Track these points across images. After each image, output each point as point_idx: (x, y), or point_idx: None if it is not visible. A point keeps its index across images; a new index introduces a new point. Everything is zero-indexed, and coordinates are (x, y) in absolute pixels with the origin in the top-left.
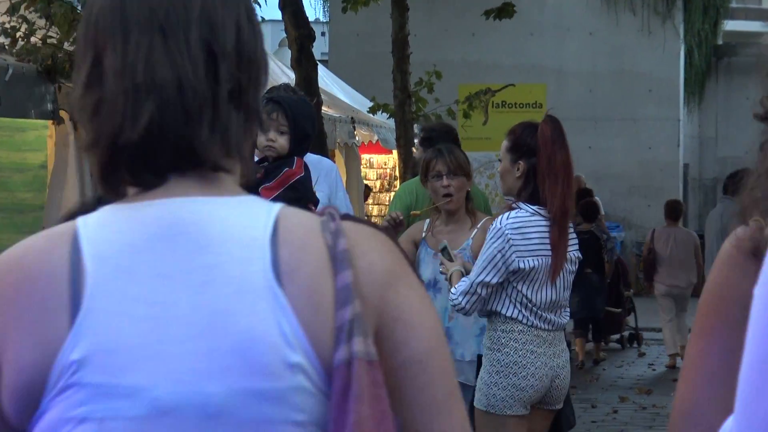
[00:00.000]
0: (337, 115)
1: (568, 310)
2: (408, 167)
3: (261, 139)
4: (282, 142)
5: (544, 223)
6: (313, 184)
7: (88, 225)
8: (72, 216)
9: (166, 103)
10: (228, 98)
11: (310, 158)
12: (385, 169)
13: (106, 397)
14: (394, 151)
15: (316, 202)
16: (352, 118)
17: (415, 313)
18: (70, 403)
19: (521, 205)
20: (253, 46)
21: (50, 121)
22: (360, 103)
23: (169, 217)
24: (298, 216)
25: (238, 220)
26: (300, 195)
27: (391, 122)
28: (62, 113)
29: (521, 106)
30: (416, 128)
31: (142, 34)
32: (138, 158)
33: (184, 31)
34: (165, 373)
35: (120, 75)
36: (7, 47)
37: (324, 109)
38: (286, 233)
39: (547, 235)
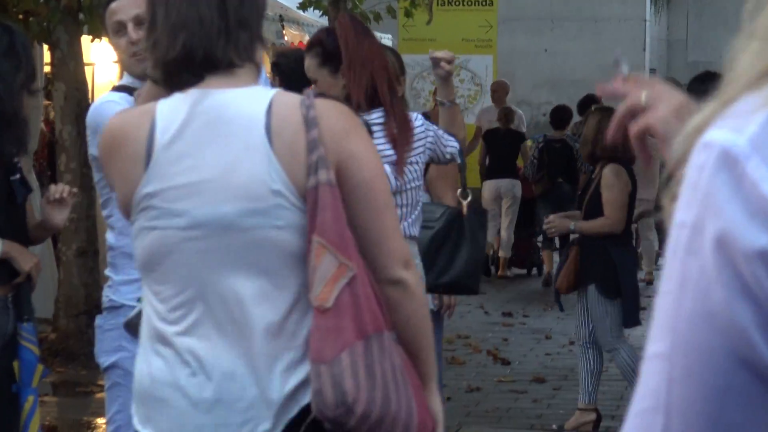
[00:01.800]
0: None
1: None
2: None
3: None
4: None
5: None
6: None
7: (161, 106)
8: None
9: (192, 32)
10: (236, 24)
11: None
12: None
13: (165, 216)
14: None
15: None
16: (280, 15)
17: (363, 154)
18: (146, 218)
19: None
20: None
21: None
22: None
23: (203, 101)
24: (285, 96)
25: (245, 102)
26: None
27: (325, 21)
28: None
29: (469, 3)
30: None
31: None
32: (179, 69)
33: None
34: (199, 201)
35: (164, 20)
36: None
37: None
38: (276, 108)
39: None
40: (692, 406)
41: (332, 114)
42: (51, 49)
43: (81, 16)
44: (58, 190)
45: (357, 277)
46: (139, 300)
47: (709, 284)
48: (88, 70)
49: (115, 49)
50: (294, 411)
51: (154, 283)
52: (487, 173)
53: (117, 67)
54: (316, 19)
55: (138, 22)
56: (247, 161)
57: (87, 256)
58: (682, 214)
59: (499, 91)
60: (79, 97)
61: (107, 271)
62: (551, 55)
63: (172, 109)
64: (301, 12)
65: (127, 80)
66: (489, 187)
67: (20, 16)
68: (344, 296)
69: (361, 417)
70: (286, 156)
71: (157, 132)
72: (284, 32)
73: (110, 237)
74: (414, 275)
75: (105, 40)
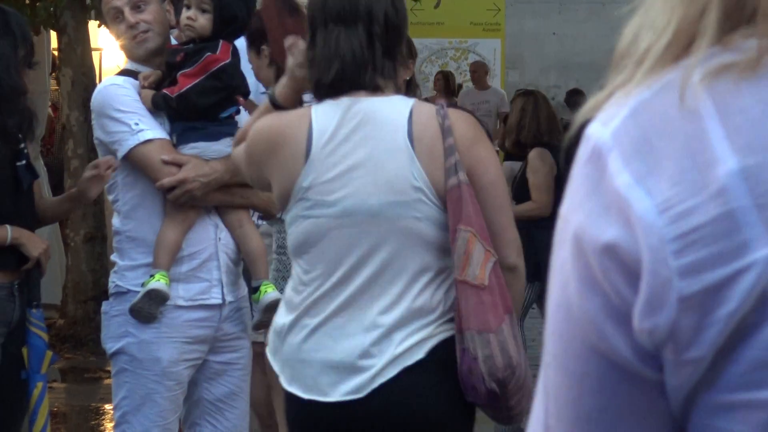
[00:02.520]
0: None
1: None
2: None
3: (182, 17)
4: (203, 21)
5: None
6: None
7: (316, 111)
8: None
9: (345, 63)
10: (381, 56)
11: (243, 43)
12: None
13: (319, 206)
14: None
15: (245, 92)
16: None
17: (488, 159)
18: (302, 207)
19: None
20: (396, 22)
21: None
22: None
23: (353, 108)
24: (423, 105)
25: (389, 109)
26: (224, 84)
27: None
28: None
29: None
30: None
31: (334, 24)
32: (332, 90)
33: (354, 23)
34: (350, 193)
35: (322, 46)
36: None
37: None
38: (416, 116)
39: None
40: (560, 391)
41: (463, 124)
42: (58, 34)
43: (87, 1)
44: (101, 164)
45: (497, 263)
46: (143, 285)
47: (567, 276)
48: (95, 55)
49: (115, 35)
50: (397, 370)
51: (304, 263)
52: None
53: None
54: None
55: (134, 6)
56: (392, 161)
57: (95, 242)
58: (561, 206)
59: (478, 71)
60: (86, 83)
61: (113, 257)
62: (560, 38)
63: (326, 114)
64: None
65: (130, 65)
66: None
67: (27, 1)
68: (492, 277)
69: (518, 378)
70: (425, 158)
71: (314, 133)
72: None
73: (116, 221)
74: (523, 262)
75: None
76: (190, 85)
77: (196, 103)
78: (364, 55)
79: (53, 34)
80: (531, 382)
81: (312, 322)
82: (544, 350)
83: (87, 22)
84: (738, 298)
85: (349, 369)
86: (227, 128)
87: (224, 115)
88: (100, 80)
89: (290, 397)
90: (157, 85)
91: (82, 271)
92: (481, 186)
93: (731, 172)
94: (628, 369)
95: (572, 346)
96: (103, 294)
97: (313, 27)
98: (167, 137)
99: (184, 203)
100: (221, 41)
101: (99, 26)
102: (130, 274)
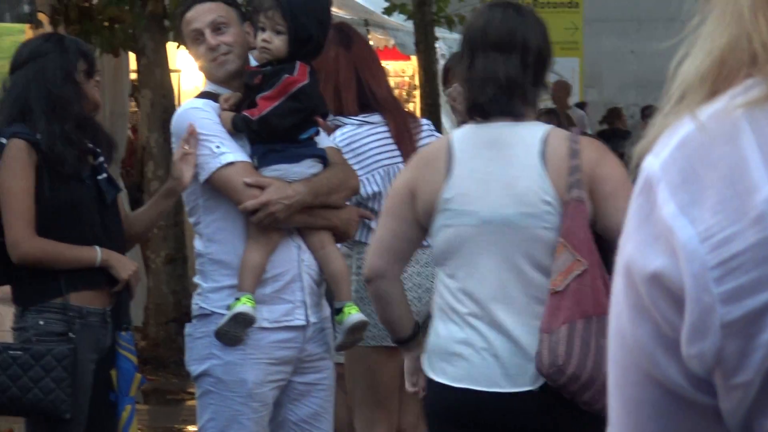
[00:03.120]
0: (349, 17)
1: None
2: (429, 76)
3: (257, 39)
4: (278, 43)
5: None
6: None
7: (456, 133)
8: None
9: (500, 87)
10: (531, 83)
11: None
12: (403, 77)
13: (460, 215)
14: (413, 57)
15: (324, 113)
16: (365, 20)
17: (611, 174)
18: (444, 217)
19: (344, 120)
20: (545, 54)
21: (28, 25)
22: (374, 2)
23: (491, 131)
24: (558, 131)
25: (525, 133)
26: (303, 105)
27: (410, 25)
28: (41, 16)
29: (555, 6)
30: (437, 32)
31: (492, 50)
32: (483, 111)
33: (511, 51)
34: (486, 205)
35: (480, 70)
36: None
37: (333, 9)
38: (551, 140)
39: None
40: (621, 418)
41: (590, 148)
42: (137, 56)
43: (166, 22)
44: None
45: (587, 271)
46: (229, 308)
47: (620, 305)
48: (174, 76)
49: (195, 57)
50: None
51: (447, 269)
52: None
53: (202, 74)
54: (401, 23)
55: (215, 27)
56: (525, 177)
57: (176, 264)
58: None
59: (560, 91)
60: (165, 104)
61: (196, 279)
62: (638, 56)
63: (465, 134)
64: (386, 16)
65: (210, 87)
66: None
67: (105, 24)
68: (573, 284)
69: (570, 377)
70: (554, 176)
71: (455, 151)
72: (369, 36)
73: (198, 244)
74: None
75: None
76: (269, 108)
77: (277, 125)
78: (517, 81)
79: (132, 56)
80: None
81: (460, 317)
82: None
83: (166, 44)
84: None
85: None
86: (307, 150)
87: (304, 136)
88: (179, 102)
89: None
90: (236, 107)
91: (163, 292)
92: (602, 197)
93: None
94: (683, 395)
95: (629, 373)
96: (184, 315)
97: (471, 51)
98: (249, 159)
99: (267, 226)
100: (298, 62)
101: (177, 47)
102: (213, 295)
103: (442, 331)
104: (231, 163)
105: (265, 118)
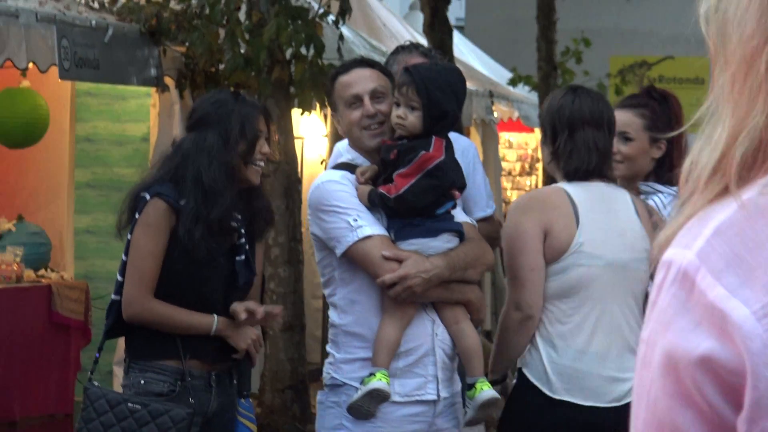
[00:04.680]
0: (474, 88)
1: None
2: None
3: (392, 115)
4: (412, 119)
5: None
6: None
7: (566, 187)
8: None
9: (601, 155)
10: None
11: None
12: (526, 149)
13: (591, 257)
14: (537, 130)
15: (461, 186)
16: (490, 91)
17: None
18: (575, 258)
19: (660, 187)
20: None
21: (154, 89)
22: (499, 74)
23: (596, 190)
24: (632, 194)
25: (618, 194)
26: (440, 181)
27: (534, 96)
28: (167, 80)
29: (681, 81)
30: None
31: (588, 127)
32: (586, 174)
33: (601, 127)
34: (609, 250)
35: (581, 141)
36: (107, 5)
37: None
38: (634, 199)
39: None
40: None
41: (658, 212)
42: None
43: (292, 89)
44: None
45: None
46: (362, 382)
47: (656, 394)
48: (297, 143)
49: (343, 121)
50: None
51: (562, 304)
52: None
53: (326, 142)
54: (525, 94)
55: (374, 96)
56: (630, 229)
57: (293, 331)
58: (642, 331)
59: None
60: (288, 171)
61: (329, 348)
62: None
63: (577, 190)
64: (510, 88)
65: (349, 155)
66: None
67: (231, 89)
68: None
69: None
70: (647, 227)
71: (577, 205)
72: (493, 108)
73: (333, 315)
74: None
75: (315, 114)
76: (407, 186)
77: (414, 203)
78: (608, 151)
79: None
80: None
81: (578, 345)
82: None
83: (290, 111)
84: None
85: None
86: (444, 224)
87: (441, 211)
88: (302, 169)
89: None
90: (373, 180)
91: (280, 359)
92: None
93: None
94: None
95: None
96: (300, 383)
97: (570, 127)
98: (386, 233)
99: (405, 299)
100: (434, 137)
101: (302, 114)
102: (346, 367)
103: (554, 356)
104: (369, 237)
105: (403, 196)
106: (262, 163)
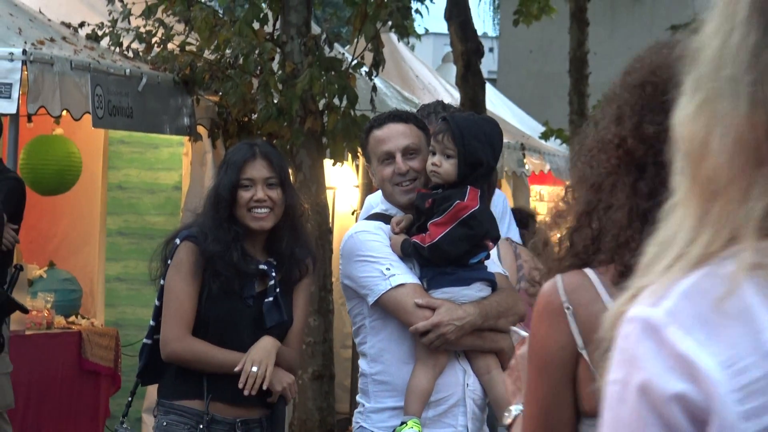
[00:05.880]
0: (506, 141)
1: None
2: None
3: (427, 163)
4: (447, 167)
5: None
6: None
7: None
8: None
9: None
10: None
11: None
12: (558, 202)
13: None
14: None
15: (495, 236)
16: (521, 144)
17: None
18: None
19: None
20: None
21: (186, 138)
22: (531, 127)
23: None
24: None
25: None
26: (474, 231)
27: (565, 149)
28: (200, 129)
29: None
30: None
31: None
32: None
33: None
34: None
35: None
36: (141, 54)
37: None
38: None
39: None
40: None
41: None
42: (294, 171)
43: (324, 140)
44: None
45: None
46: (395, 431)
47: (637, 424)
48: (328, 193)
49: (377, 175)
50: None
51: None
52: None
53: (358, 193)
54: (557, 147)
55: (406, 152)
56: None
57: (322, 380)
58: (613, 373)
59: None
60: (319, 221)
61: (359, 398)
62: None
63: None
64: (542, 141)
65: (383, 207)
66: None
67: (264, 139)
68: None
69: None
70: None
71: None
72: (525, 161)
73: (363, 364)
74: None
75: (347, 164)
76: (441, 236)
77: (448, 252)
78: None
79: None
80: None
81: None
82: None
83: (322, 161)
84: None
85: None
86: (477, 273)
87: (474, 260)
88: (333, 220)
89: None
90: (407, 230)
91: (308, 408)
92: None
93: None
94: None
95: None
96: None
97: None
98: (418, 282)
99: (437, 347)
100: (469, 186)
101: (333, 165)
102: (375, 416)
103: None
104: (402, 285)
105: (437, 245)
106: (260, 210)
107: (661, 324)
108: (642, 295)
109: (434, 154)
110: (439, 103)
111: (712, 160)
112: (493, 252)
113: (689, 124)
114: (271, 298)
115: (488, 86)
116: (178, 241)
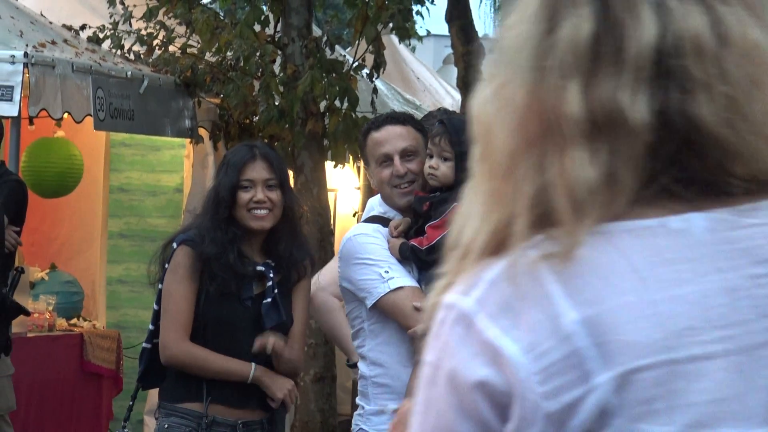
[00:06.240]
0: None
1: None
2: None
3: (425, 166)
4: (444, 170)
5: None
6: None
7: None
8: None
9: None
10: None
11: None
12: None
13: None
14: None
15: None
16: None
17: None
18: None
19: None
20: None
21: (188, 140)
22: None
23: None
24: None
25: None
26: None
27: None
28: (201, 131)
29: None
30: None
31: None
32: None
33: None
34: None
35: None
36: (142, 56)
37: None
38: None
39: None
40: None
41: None
42: (295, 174)
43: (325, 142)
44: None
45: None
46: None
47: (444, 407)
48: (330, 195)
49: (375, 177)
50: None
51: None
52: None
53: (359, 194)
54: None
55: (404, 154)
56: None
57: (324, 382)
58: (428, 355)
59: None
60: (321, 223)
61: (358, 400)
62: None
63: None
64: None
65: (381, 209)
66: None
67: (265, 141)
68: None
69: None
70: None
71: None
72: None
73: (362, 367)
74: None
75: (348, 166)
76: (438, 238)
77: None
78: None
79: (290, 174)
80: None
81: None
82: None
83: (324, 163)
84: (586, 411)
85: None
86: None
87: None
88: (335, 221)
89: None
90: (405, 233)
91: (310, 410)
92: None
93: (574, 321)
94: None
95: None
96: None
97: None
98: (417, 285)
99: None
100: None
101: (335, 167)
102: (375, 419)
103: None
104: (400, 288)
105: (434, 247)
106: (260, 211)
107: (472, 312)
108: (456, 283)
109: (431, 156)
110: (443, 111)
111: (497, 143)
112: None
113: (483, 107)
114: (269, 299)
115: None
116: (175, 245)
